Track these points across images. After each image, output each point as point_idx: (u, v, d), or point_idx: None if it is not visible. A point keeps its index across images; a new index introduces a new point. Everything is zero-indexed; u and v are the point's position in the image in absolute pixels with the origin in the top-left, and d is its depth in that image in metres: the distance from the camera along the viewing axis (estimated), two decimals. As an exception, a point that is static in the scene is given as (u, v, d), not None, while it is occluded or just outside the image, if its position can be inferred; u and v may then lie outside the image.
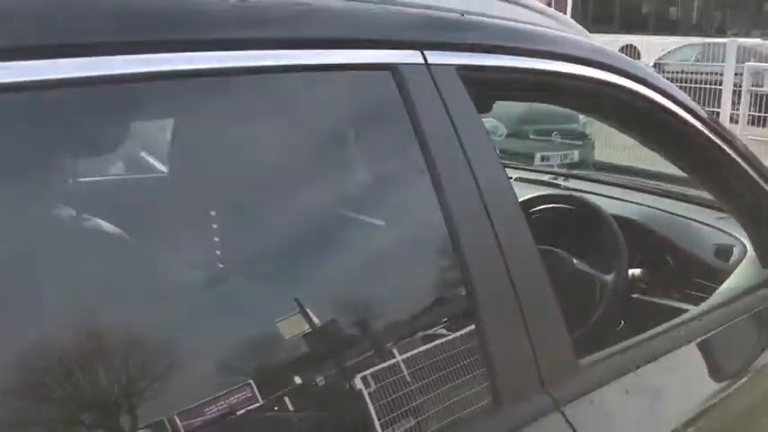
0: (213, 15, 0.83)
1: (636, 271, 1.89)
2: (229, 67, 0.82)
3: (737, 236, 1.83)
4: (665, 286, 1.88)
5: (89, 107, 0.76)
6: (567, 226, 1.95)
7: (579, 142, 6.15)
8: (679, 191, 2.22)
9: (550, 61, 1.18)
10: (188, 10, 0.81)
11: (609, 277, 1.79)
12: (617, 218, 1.90)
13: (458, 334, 0.97)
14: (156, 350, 0.78)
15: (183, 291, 0.86)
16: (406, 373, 0.89)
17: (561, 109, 6.11)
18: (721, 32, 18.30)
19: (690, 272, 1.88)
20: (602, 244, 1.85)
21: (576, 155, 5.83)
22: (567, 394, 1.02)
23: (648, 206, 2.13)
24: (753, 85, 6.48)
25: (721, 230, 1.92)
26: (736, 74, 7.04)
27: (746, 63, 6.71)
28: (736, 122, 7.11)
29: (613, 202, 2.12)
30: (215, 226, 0.93)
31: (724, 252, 1.86)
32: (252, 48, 0.84)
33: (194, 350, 0.80)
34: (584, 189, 2.26)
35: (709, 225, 1.98)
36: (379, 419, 0.85)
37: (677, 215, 2.07)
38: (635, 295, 1.91)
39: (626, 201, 2.17)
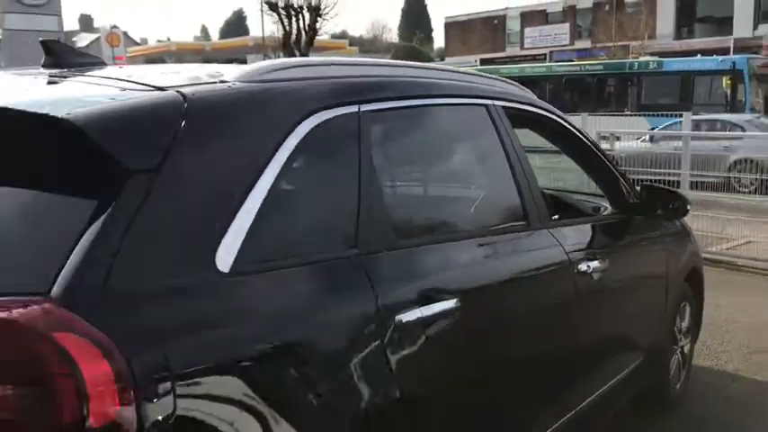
0: (440, 86, 2.49)
1: (556, 216, 3.61)
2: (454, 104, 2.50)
3: (605, 204, 3.61)
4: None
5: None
6: None
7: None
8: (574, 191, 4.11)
9: (525, 105, 2.90)
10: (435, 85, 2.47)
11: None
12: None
13: (514, 211, 2.64)
14: None
15: None
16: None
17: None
18: (573, 110, 21.30)
19: (581, 218, 3.64)
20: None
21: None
22: (548, 225, 2.72)
23: (559, 192, 3.95)
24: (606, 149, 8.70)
25: (596, 203, 3.71)
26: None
27: (596, 129, 8.91)
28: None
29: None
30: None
31: (597, 209, 3.63)
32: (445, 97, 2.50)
33: None
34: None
35: (590, 201, 3.78)
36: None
37: (575, 198, 3.88)
38: None
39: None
